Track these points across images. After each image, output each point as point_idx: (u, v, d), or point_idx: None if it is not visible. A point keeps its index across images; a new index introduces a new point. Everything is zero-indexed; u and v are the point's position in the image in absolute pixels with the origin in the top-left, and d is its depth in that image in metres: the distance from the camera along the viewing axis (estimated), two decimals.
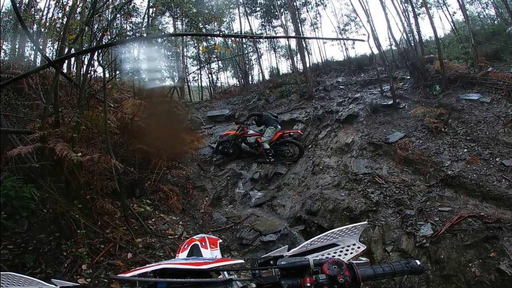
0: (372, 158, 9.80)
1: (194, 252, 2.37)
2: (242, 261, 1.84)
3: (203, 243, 2.49)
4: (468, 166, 8.13)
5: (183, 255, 2.37)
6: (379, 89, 14.33)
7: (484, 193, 7.42)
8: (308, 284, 1.33)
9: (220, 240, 2.76)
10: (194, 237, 2.67)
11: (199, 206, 8.47)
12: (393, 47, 18.29)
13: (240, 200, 9.33)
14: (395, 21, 18.06)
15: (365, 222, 1.91)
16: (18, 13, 5.43)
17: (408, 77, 14.79)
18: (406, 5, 16.45)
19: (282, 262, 1.40)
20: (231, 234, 7.41)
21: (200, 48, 20.98)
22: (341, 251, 1.71)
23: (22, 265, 4.63)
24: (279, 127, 11.25)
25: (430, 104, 11.55)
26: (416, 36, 15.38)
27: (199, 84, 24.30)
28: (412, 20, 15.58)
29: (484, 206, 7.15)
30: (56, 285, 1.38)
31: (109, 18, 9.46)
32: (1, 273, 1.36)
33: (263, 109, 13.13)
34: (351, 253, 1.72)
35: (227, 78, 26.46)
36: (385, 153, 9.77)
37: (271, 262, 1.53)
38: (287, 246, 1.62)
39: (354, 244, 1.72)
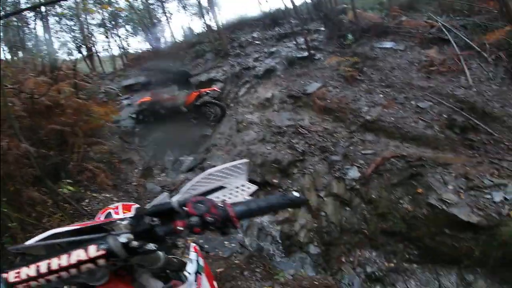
0: (293, 110, 9.99)
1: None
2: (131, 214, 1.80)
3: (116, 210, 2.27)
4: (385, 110, 8.56)
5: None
6: (294, 42, 14.39)
7: (403, 134, 7.88)
8: (180, 228, 1.27)
9: (137, 205, 2.68)
10: (109, 206, 2.44)
11: (130, 179, 8.31)
12: (307, 0, 18.36)
13: (171, 167, 9.27)
14: None
15: (246, 160, 1.88)
16: None
17: (323, 28, 14.96)
18: None
19: (149, 209, 1.37)
20: None
21: (106, 13, 20.16)
22: (230, 193, 1.69)
23: None
24: (192, 88, 11.08)
25: (345, 53, 11.85)
26: None
27: (111, 53, 23.24)
28: None
29: (405, 146, 7.60)
30: None
31: None
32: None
33: (175, 69, 12.69)
34: (241, 194, 1.71)
35: (139, 43, 25.51)
36: (305, 104, 10.00)
37: None
38: (166, 192, 1.57)
39: (243, 185, 1.72)
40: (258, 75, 12.63)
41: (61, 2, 14.61)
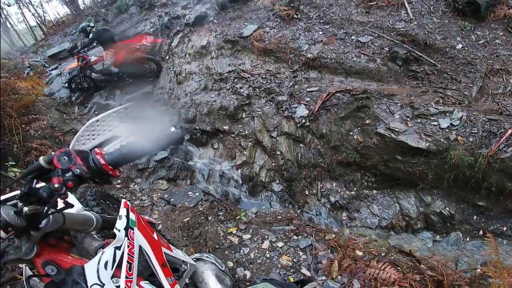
0: (232, 55, 9.86)
1: None
2: None
3: None
4: (326, 47, 8.58)
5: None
6: None
7: (346, 69, 7.97)
8: (57, 185, 1.24)
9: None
10: None
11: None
12: None
13: None
14: None
15: (126, 105, 1.80)
16: None
17: None
18: None
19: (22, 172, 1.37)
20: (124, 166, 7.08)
21: None
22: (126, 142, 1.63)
23: None
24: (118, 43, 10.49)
25: None
26: None
27: (27, 25, 21.76)
28: None
29: (349, 81, 7.70)
30: None
31: None
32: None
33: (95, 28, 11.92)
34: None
35: (55, 8, 24.08)
36: (243, 48, 9.88)
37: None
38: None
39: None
40: (190, 23, 12.14)
41: None
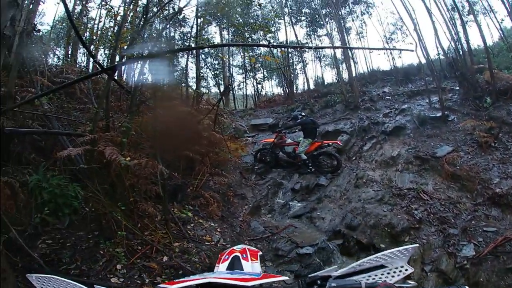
0: (417, 173, 9.61)
1: (235, 264, 2.36)
2: (287, 278, 1.90)
3: (244, 255, 2.47)
4: None
5: (223, 266, 2.36)
6: (427, 100, 14.06)
7: None
8: None
9: (261, 253, 2.74)
10: (235, 247, 2.65)
11: (238, 214, 8.50)
12: (441, 57, 17.72)
13: (279, 210, 9.18)
14: (443, 30, 17.49)
15: (416, 245, 1.90)
16: (73, 21, 5.72)
17: (457, 88, 14.44)
18: (453, 12, 15.99)
19: (333, 284, 1.43)
20: (267, 244, 7.37)
21: (247, 58, 21.39)
22: (388, 273, 1.69)
23: (58, 260, 4.81)
24: (317, 138, 11.12)
25: (480, 117, 11.24)
26: (465, 45, 14.69)
27: (244, 92, 24.53)
28: (459, 28, 15.01)
29: None
30: None
31: (159, 28, 9.78)
32: (42, 275, 1.47)
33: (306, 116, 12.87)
34: (398, 275, 1.70)
35: (271, 87, 26.56)
36: (431, 168, 9.57)
37: (319, 282, 1.56)
38: (336, 266, 1.65)
39: (402, 267, 1.70)
40: (386, 131, 12.36)
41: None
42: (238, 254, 2.48)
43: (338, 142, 11.50)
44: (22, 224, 4.97)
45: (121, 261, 5.11)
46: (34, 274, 1.47)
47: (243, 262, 2.38)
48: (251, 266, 2.37)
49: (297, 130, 11.82)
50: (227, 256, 2.48)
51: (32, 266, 4.44)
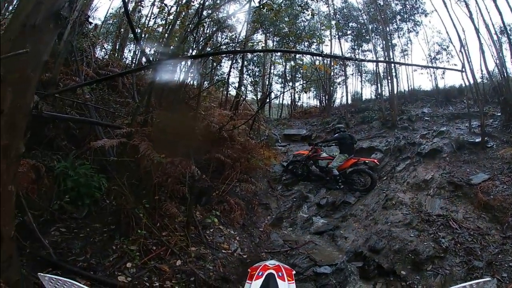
0: (449, 199, 9.31)
1: (270, 283, 2.28)
2: None
3: (280, 273, 2.38)
4: None
5: (256, 284, 2.29)
6: (466, 124, 13.69)
7: None
8: None
9: (294, 271, 2.65)
10: (267, 263, 2.56)
11: (259, 224, 8.47)
12: (485, 80, 17.25)
13: (302, 224, 9.09)
14: (490, 52, 17.08)
15: (493, 280, 1.86)
16: (128, 14, 5.83)
17: (499, 114, 14.03)
18: (501, 35, 15.54)
19: None
20: (284, 259, 7.23)
21: (289, 67, 21.45)
22: None
23: (67, 250, 4.85)
24: (353, 154, 11.06)
25: None
26: (510, 70, 14.48)
27: (280, 101, 24.59)
28: (506, 53, 14.69)
29: None
30: None
31: (207, 30, 9.93)
32: (55, 277, 1.45)
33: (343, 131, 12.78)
34: None
35: (308, 99, 26.49)
36: (464, 195, 9.26)
37: None
38: None
39: None
40: (422, 153, 12.06)
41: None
42: (273, 271, 2.40)
43: (375, 161, 11.40)
44: (40, 209, 5.07)
45: (134, 260, 5.11)
46: (47, 274, 1.46)
47: (279, 281, 2.31)
48: (288, 287, 2.30)
49: (333, 144, 11.57)
50: (260, 273, 2.40)
51: (41, 253, 4.50)
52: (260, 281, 2.29)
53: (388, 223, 8.46)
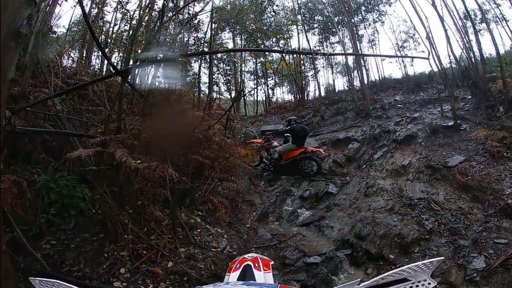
0: (428, 182, 9.52)
1: (247, 273, 2.32)
2: None
3: (256, 264, 2.43)
4: None
5: (234, 276, 2.32)
6: (439, 109, 14.00)
7: None
8: None
9: (272, 262, 2.70)
10: (246, 256, 2.61)
11: (245, 220, 8.46)
12: (453, 65, 17.52)
13: (287, 217, 9.07)
14: (455, 38, 17.46)
15: (442, 258, 1.86)
16: (89, 23, 5.74)
17: (469, 97, 14.41)
18: (465, 21, 15.86)
19: None
20: (274, 252, 7.26)
21: (259, 64, 21.50)
22: (410, 287, 1.69)
23: (61, 262, 4.80)
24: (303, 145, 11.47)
25: (492, 126, 11.13)
26: (477, 53, 14.68)
27: (255, 98, 24.65)
28: (472, 37, 14.95)
29: None
30: None
31: (174, 32, 9.86)
32: (45, 279, 1.44)
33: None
34: None
35: (282, 94, 26.64)
36: (443, 178, 9.49)
37: None
38: (358, 279, 1.61)
39: (425, 280, 1.64)
40: (397, 140, 12.27)
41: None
42: (250, 263, 2.44)
43: (321, 151, 11.90)
44: (27, 224, 4.98)
45: (126, 265, 5.08)
46: (37, 278, 1.45)
47: (255, 272, 2.35)
48: (264, 277, 2.33)
49: (287, 135, 11.91)
50: (238, 265, 2.44)
51: (35, 267, 4.46)
52: (237, 273, 2.34)
53: (371, 210, 8.56)
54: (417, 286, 1.64)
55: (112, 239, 5.42)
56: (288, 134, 11.66)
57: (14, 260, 4.22)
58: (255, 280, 2.24)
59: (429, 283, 1.64)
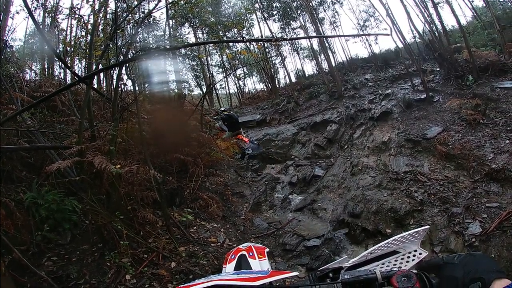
0: (411, 155, 9.65)
1: (242, 263, 2.31)
2: (296, 273, 1.82)
3: (251, 253, 2.42)
4: None
5: (230, 267, 2.32)
6: (409, 84, 14.11)
7: None
8: None
9: (267, 249, 2.67)
10: (240, 246, 2.61)
11: (239, 212, 8.42)
12: (417, 39, 17.80)
13: (280, 204, 9.16)
14: (415, 13, 17.62)
15: (427, 227, 1.85)
16: (43, 34, 5.56)
17: (438, 69, 14.55)
18: None
19: (346, 276, 1.35)
20: (274, 240, 7.33)
21: (224, 55, 21.39)
22: (402, 259, 1.68)
23: (66, 276, 4.69)
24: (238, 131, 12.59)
25: (465, 95, 11.31)
26: (439, 26, 14.84)
27: (227, 91, 24.53)
28: (432, 10, 15.11)
29: None
30: None
31: (132, 33, 9.68)
32: None
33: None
34: (412, 260, 1.69)
35: (254, 84, 26.57)
36: (424, 149, 9.62)
37: (330, 274, 1.54)
38: (346, 257, 1.59)
39: (415, 251, 1.69)
40: (374, 117, 12.37)
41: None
42: (245, 252, 2.43)
43: (246, 141, 12.62)
44: (24, 244, 4.81)
45: (129, 271, 5.00)
46: None
47: (250, 260, 2.34)
48: (259, 264, 2.32)
49: (225, 125, 13.02)
50: (233, 256, 2.44)
51: (42, 285, 4.33)
52: (233, 264, 2.34)
53: (360, 188, 8.65)
54: (408, 257, 1.68)
55: (111, 247, 5.31)
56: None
57: (19, 281, 4.14)
58: (252, 269, 2.24)
59: (420, 253, 1.68)
